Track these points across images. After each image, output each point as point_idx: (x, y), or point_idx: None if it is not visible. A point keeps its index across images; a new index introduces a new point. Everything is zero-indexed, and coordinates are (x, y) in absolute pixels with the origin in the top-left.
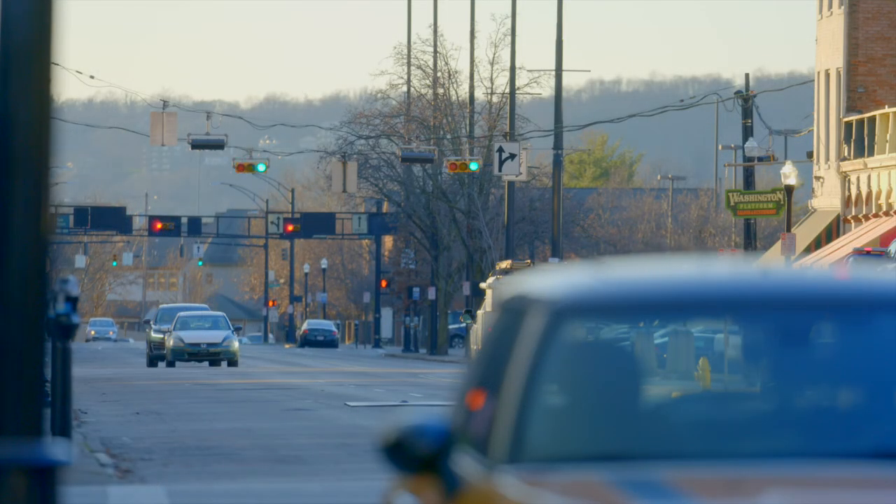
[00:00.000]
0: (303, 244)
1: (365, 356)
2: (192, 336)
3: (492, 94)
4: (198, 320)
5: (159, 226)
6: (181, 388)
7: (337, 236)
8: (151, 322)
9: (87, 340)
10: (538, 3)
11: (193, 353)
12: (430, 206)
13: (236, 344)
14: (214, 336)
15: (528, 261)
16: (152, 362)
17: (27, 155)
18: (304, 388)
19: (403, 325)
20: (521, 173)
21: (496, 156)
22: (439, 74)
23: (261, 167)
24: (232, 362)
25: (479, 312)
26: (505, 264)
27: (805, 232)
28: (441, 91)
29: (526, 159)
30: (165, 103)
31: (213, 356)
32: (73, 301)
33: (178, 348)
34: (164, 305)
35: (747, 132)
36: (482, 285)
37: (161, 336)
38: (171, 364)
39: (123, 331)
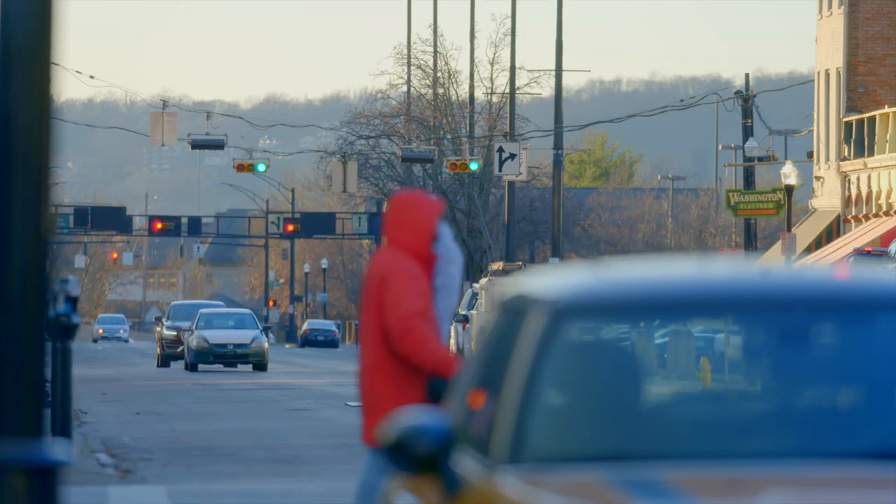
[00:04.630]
0: (303, 244)
1: None
2: (217, 336)
3: (492, 94)
4: (221, 318)
5: (159, 226)
6: (182, 388)
7: (337, 236)
8: (163, 319)
9: (95, 340)
10: (538, 3)
11: (220, 356)
12: None
13: (266, 345)
14: (242, 336)
15: (520, 262)
16: (164, 362)
17: (27, 155)
18: (304, 388)
19: None
20: (521, 173)
21: (496, 156)
22: (439, 74)
23: (261, 167)
24: (260, 366)
25: (472, 313)
26: (497, 266)
27: (805, 232)
28: (441, 91)
29: (526, 159)
30: (165, 103)
31: (241, 358)
32: (73, 301)
33: (203, 349)
34: (177, 301)
35: (747, 132)
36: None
37: (174, 333)
38: (192, 367)
39: None
